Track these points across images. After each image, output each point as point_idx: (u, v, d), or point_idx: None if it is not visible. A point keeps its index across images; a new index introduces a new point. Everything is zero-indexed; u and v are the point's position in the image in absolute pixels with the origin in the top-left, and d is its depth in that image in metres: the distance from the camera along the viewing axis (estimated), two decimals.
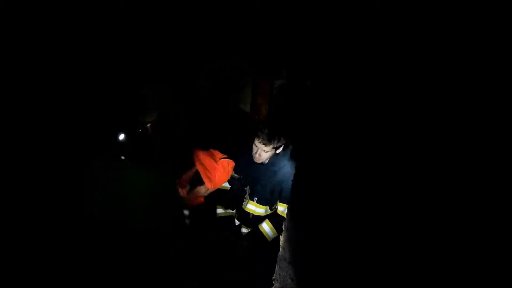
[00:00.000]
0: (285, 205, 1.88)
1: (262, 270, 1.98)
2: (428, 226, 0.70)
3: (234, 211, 2.05)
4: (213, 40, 2.19)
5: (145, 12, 1.98)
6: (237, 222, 2.08)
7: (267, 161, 1.86)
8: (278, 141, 1.76)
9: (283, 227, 1.90)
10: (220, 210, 2.05)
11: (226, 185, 1.97)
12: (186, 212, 1.69)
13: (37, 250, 1.33)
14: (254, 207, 1.93)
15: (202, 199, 1.80)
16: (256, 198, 1.91)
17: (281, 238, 1.89)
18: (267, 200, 1.91)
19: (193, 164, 1.73)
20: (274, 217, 1.91)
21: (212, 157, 1.79)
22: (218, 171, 1.76)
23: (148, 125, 1.41)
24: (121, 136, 1.26)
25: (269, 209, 1.93)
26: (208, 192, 1.79)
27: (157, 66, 2.16)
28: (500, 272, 0.59)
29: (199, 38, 2.17)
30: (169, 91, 2.24)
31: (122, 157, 1.28)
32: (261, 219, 1.92)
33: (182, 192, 1.69)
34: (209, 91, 2.36)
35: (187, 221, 1.61)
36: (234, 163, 1.85)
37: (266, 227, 1.89)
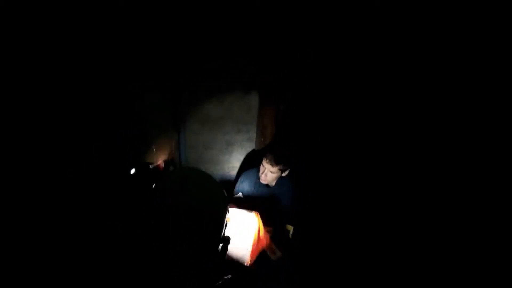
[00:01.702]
0: (291, 226, 1.90)
1: (262, 270, 2.01)
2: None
3: None
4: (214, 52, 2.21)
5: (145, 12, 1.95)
6: None
7: (273, 183, 1.90)
8: (285, 163, 1.80)
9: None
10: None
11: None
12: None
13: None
14: None
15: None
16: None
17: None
18: (273, 221, 1.94)
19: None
20: (279, 236, 1.94)
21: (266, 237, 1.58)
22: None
23: (160, 162, 1.45)
24: (132, 171, 1.29)
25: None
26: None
27: (156, 69, 2.16)
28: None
29: (200, 45, 2.18)
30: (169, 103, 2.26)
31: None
32: None
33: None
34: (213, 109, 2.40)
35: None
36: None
37: None
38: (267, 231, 1.60)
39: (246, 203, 1.96)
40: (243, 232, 1.44)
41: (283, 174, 1.86)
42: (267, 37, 2.19)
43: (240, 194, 1.97)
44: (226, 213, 0.91)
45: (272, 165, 1.75)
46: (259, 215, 1.54)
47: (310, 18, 2.14)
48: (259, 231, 1.48)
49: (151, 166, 1.39)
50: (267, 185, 1.91)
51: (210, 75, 2.29)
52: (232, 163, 2.48)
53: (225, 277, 1.16)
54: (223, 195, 0.90)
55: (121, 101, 1.98)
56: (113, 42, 1.92)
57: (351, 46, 2.21)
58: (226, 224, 0.94)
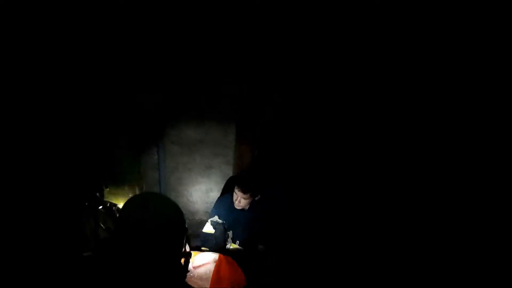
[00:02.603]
0: (262, 246, 2.05)
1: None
2: None
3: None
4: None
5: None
6: None
7: (247, 207, 2.03)
8: (255, 190, 1.95)
9: None
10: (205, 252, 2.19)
11: (210, 229, 2.12)
12: None
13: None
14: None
15: None
16: (238, 241, 2.08)
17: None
18: (248, 243, 2.07)
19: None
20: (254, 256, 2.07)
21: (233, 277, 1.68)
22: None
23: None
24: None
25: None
26: None
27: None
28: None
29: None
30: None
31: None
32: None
33: None
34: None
35: None
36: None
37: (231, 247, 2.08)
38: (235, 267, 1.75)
39: (222, 225, 2.08)
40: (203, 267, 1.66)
41: (256, 198, 2.01)
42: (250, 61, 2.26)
43: (216, 217, 2.10)
44: (185, 230, 1.01)
45: (243, 192, 1.91)
46: (224, 257, 1.75)
47: (297, 32, 2.17)
48: (220, 268, 1.67)
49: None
50: (242, 209, 2.05)
51: (191, 102, 2.41)
52: (211, 185, 2.60)
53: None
54: (181, 214, 0.99)
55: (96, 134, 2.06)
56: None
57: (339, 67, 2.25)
58: (187, 241, 1.05)
